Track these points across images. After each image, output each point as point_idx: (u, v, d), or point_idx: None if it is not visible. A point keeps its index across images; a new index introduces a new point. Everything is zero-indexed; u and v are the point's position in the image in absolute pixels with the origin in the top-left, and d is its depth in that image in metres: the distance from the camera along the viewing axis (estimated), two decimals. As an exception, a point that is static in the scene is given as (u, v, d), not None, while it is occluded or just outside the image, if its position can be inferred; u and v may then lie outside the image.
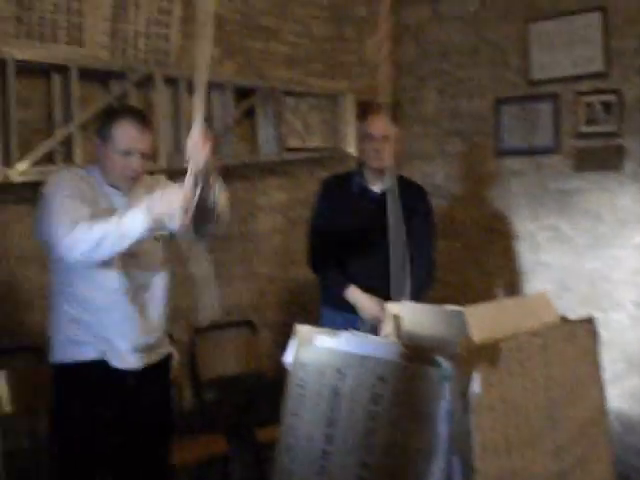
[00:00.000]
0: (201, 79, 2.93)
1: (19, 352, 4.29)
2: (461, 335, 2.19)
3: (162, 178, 3.47)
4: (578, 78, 5.28)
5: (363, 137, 4.22)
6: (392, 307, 2.57)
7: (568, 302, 5.17)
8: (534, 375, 2.35)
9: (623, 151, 5.11)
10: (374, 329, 3.12)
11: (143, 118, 3.21)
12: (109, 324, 3.12)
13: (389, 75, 6.20)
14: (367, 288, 4.10)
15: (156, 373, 3.31)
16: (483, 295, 5.69)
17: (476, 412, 2.08)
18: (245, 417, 4.79)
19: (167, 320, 3.39)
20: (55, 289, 3.23)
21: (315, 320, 5.25)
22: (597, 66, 5.18)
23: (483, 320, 2.27)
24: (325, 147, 5.69)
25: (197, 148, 2.84)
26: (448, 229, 5.94)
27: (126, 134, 3.11)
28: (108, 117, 3.21)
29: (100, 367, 3.14)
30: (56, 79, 4.32)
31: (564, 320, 2.70)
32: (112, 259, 3.05)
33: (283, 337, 5.48)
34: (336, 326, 3.90)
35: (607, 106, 5.15)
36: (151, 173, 3.50)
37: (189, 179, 2.84)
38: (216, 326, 5.16)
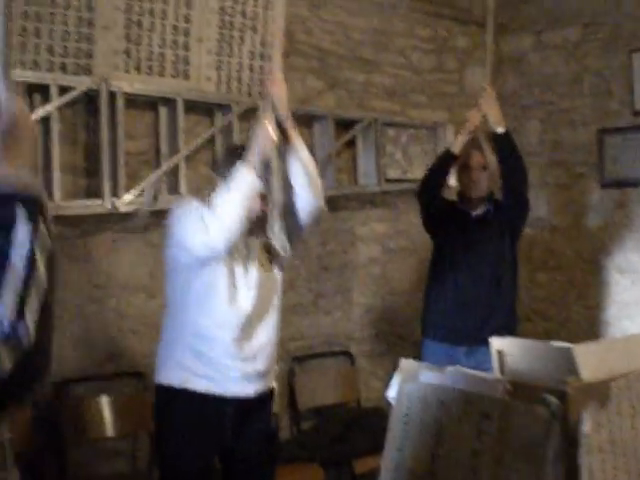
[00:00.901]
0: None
1: (123, 378, 4.39)
2: (570, 373, 2.14)
3: None
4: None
5: (462, 167, 4.23)
6: (496, 342, 2.53)
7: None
8: (645, 416, 2.28)
9: None
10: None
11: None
12: (220, 353, 3.15)
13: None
14: (462, 313, 4.11)
15: (261, 403, 3.32)
16: (586, 330, 5.57)
17: (585, 453, 2.02)
18: (342, 447, 4.77)
19: (277, 352, 3.40)
20: (169, 313, 3.29)
21: (413, 352, 5.23)
22: None
23: (592, 358, 2.21)
24: (425, 178, 5.67)
25: (278, 83, 3.07)
26: (550, 261, 5.84)
27: None
28: (229, 156, 3.24)
29: (207, 394, 3.17)
30: (163, 111, 4.44)
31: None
32: (227, 292, 3.11)
33: (381, 368, 5.53)
34: (437, 358, 3.90)
35: None
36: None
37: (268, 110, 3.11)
38: (314, 355, 5.19)
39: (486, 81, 4.34)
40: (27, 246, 1.12)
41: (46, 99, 3.98)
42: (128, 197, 4.16)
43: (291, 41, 4.98)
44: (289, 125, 3.23)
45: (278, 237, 3.25)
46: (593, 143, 5.70)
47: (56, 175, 3.95)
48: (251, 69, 4.72)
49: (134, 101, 4.33)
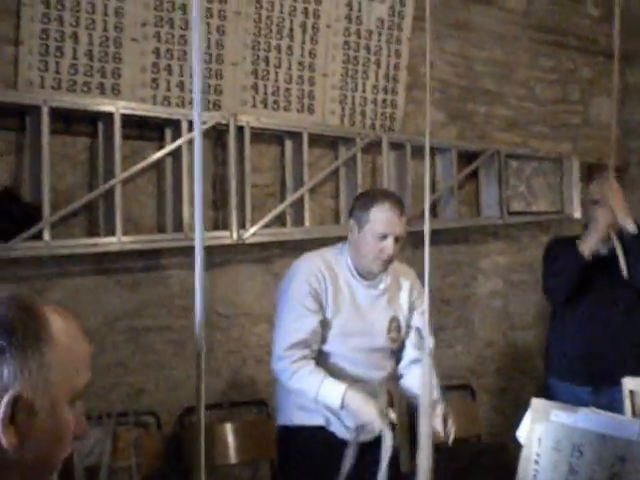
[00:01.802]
0: None
1: (246, 405, 4.47)
2: None
3: (411, 274, 3.41)
4: None
5: (589, 202, 4.11)
6: (629, 382, 2.47)
7: None
8: None
9: None
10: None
11: (399, 202, 3.22)
12: None
13: (616, 137, 6.03)
14: (589, 352, 3.97)
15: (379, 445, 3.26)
16: None
17: None
18: (462, 483, 4.72)
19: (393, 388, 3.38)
20: None
21: (536, 388, 5.13)
22: None
23: None
24: (549, 211, 5.58)
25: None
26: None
27: (385, 218, 3.11)
28: (364, 202, 3.21)
29: (325, 434, 3.17)
30: (288, 145, 4.53)
31: None
32: (343, 351, 3.16)
33: (502, 403, 5.44)
34: (561, 397, 3.81)
35: None
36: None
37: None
38: (435, 389, 5.14)
39: (612, 121, 4.18)
40: None
41: (177, 134, 4.11)
42: (254, 229, 4.25)
43: (414, 74, 5.01)
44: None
45: None
46: None
47: (185, 207, 4.07)
48: (375, 103, 4.77)
49: (260, 135, 4.43)
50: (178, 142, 4.08)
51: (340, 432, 3.16)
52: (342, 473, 2.89)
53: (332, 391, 3.00)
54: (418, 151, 4.97)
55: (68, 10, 3.86)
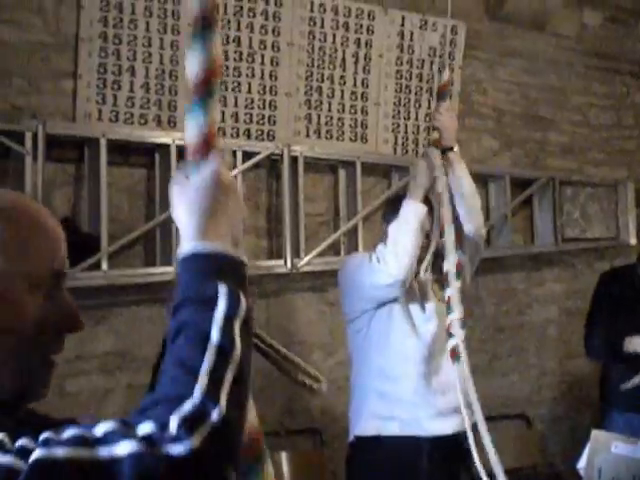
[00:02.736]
0: None
1: (300, 434, 4.46)
2: None
3: None
4: None
5: None
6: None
7: None
8: None
9: None
10: None
11: (428, 202, 3.22)
12: (407, 390, 3.14)
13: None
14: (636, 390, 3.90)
15: (461, 446, 3.14)
16: None
17: None
18: (518, 514, 4.65)
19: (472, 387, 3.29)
20: (355, 366, 3.33)
21: (593, 417, 5.05)
22: None
23: None
24: (604, 237, 5.52)
25: (446, 117, 3.13)
26: None
27: None
28: (394, 204, 3.28)
29: (401, 437, 3.15)
30: (342, 174, 4.56)
31: None
32: (406, 326, 3.13)
33: (558, 432, 5.37)
34: (618, 426, 3.75)
35: None
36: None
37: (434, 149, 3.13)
38: (490, 418, 5.07)
39: None
40: (226, 323, 1.12)
41: (232, 164, 4.16)
42: (308, 258, 4.27)
43: (467, 102, 5.02)
44: (454, 156, 3.23)
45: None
46: None
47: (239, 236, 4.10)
48: (428, 131, 4.77)
49: (314, 164, 4.47)
50: (233, 172, 4.12)
51: (416, 431, 3.13)
52: None
53: (402, 210, 3.09)
54: (472, 178, 4.96)
55: (125, 44, 3.95)
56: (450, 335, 2.89)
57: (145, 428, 1.01)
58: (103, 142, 3.78)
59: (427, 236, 3.18)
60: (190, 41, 1.29)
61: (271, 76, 4.33)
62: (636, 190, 5.61)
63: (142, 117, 4.01)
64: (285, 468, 4.31)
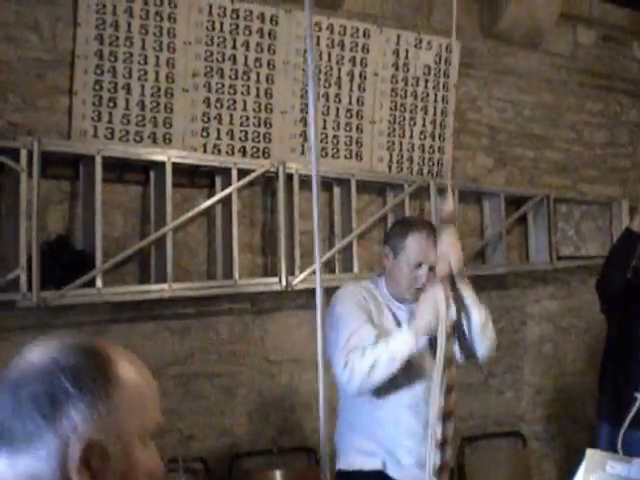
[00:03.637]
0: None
1: (295, 452, 4.44)
2: None
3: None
4: None
5: None
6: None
7: None
8: None
9: None
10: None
11: (434, 230, 3.18)
12: (394, 436, 3.12)
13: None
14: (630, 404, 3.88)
15: None
16: None
17: None
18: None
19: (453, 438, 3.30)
20: (341, 399, 3.30)
21: (588, 435, 5.04)
22: None
23: None
24: (599, 255, 5.51)
25: (452, 248, 2.81)
26: None
27: (419, 247, 3.11)
28: (401, 229, 3.21)
29: (382, 477, 3.15)
30: (337, 191, 4.57)
31: None
32: (397, 374, 3.09)
33: (552, 450, 5.36)
34: (614, 443, 3.73)
35: None
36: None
37: (441, 283, 2.83)
38: (485, 436, 5.09)
39: None
40: None
41: (227, 181, 4.16)
42: (302, 275, 4.27)
43: (461, 120, 5.04)
44: (462, 282, 2.97)
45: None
46: None
47: (235, 254, 4.10)
48: (422, 149, 4.79)
49: (309, 182, 4.46)
50: (228, 190, 4.13)
51: (398, 475, 3.12)
52: None
53: (398, 337, 2.92)
54: (467, 196, 4.98)
55: (121, 62, 3.96)
56: None
57: None
58: (98, 159, 3.78)
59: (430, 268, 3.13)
60: None
61: (266, 94, 4.34)
62: (630, 207, 5.61)
63: (137, 134, 4.01)
64: (279, 486, 4.30)
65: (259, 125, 4.32)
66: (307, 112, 4.43)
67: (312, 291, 4.34)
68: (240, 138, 4.26)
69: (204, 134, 4.19)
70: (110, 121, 3.95)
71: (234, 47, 4.23)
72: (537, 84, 5.45)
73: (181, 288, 3.99)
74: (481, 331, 3.09)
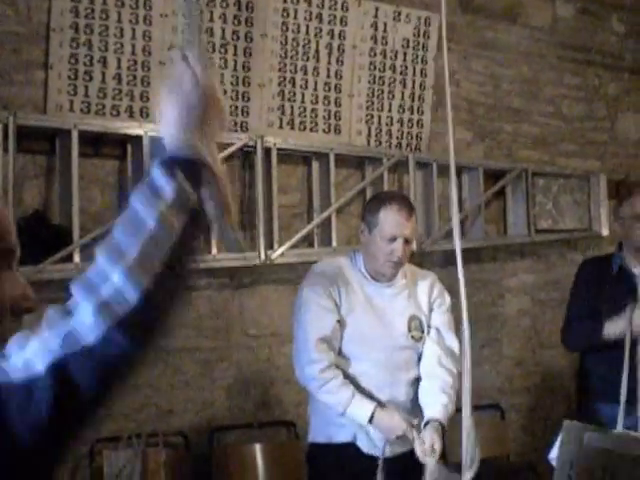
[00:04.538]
0: None
1: (274, 426, 4.46)
2: None
3: (431, 275, 3.41)
4: None
5: (629, 217, 4.04)
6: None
7: None
8: None
9: None
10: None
11: (408, 204, 3.25)
12: None
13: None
14: (608, 381, 3.90)
15: (408, 461, 3.24)
16: None
17: None
18: (492, 503, 4.68)
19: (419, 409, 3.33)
20: None
21: (565, 407, 5.09)
22: None
23: None
24: (576, 228, 5.55)
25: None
26: None
27: (393, 220, 3.13)
28: (374, 204, 3.24)
29: (352, 450, 3.16)
30: (315, 165, 4.55)
31: None
32: (363, 352, 3.15)
33: (531, 422, 5.40)
34: (593, 415, 3.77)
35: None
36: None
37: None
38: (463, 409, 5.11)
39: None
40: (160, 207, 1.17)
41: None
42: (281, 249, 4.26)
43: (440, 93, 5.02)
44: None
45: None
46: None
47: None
48: (401, 122, 4.78)
49: (287, 156, 4.46)
50: (206, 164, 4.10)
51: (367, 447, 3.15)
52: None
53: (361, 408, 3.02)
54: (445, 170, 4.97)
55: (97, 35, 3.92)
56: None
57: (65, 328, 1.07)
58: (75, 133, 3.75)
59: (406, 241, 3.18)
60: None
61: (244, 67, 4.31)
62: (608, 181, 5.64)
63: (114, 108, 3.98)
64: (259, 460, 4.31)
65: (237, 99, 4.30)
66: (285, 86, 4.41)
67: (291, 265, 4.37)
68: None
69: (181, 108, 4.15)
70: (86, 95, 3.92)
71: (211, 19, 4.20)
72: (516, 58, 5.44)
73: (159, 263, 3.96)
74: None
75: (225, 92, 4.27)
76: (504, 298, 5.41)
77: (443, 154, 4.98)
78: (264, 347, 4.44)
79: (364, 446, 3.16)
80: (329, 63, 4.54)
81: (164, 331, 1.14)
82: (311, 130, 4.52)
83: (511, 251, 5.43)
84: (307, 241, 4.48)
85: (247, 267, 4.28)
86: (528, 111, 5.52)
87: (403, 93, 4.77)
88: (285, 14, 4.39)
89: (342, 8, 4.55)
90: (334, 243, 4.45)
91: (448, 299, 3.32)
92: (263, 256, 4.21)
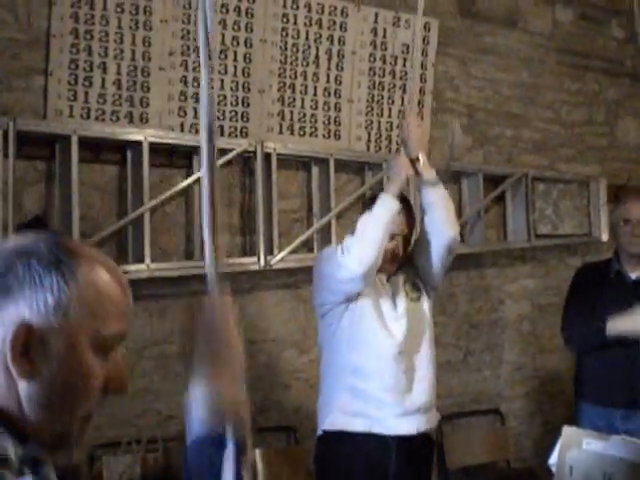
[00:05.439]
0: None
1: (274, 432, 4.46)
2: None
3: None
4: None
5: (620, 221, 4.07)
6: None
7: None
8: None
9: None
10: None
11: (405, 201, 3.31)
12: (377, 387, 3.17)
13: (643, 157, 6.02)
14: (610, 384, 3.91)
15: (425, 448, 3.28)
16: None
17: None
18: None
19: (435, 389, 3.36)
20: (324, 361, 3.34)
21: (566, 412, 5.08)
22: None
23: None
24: (576, 233, 5.56)
25: (413, 127, 3.25)
26: None
27: None
28: (371, 202, 3.29)
29: (368, 434, 3.18)
30: (315, 171, 4.56)
31: None
32: (377, 324, 3.17)
33: (531, 428, 5.40)
34: (592, 421, 3.77)
35: None
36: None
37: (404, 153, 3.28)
38: (463, 414, 5.12)
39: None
40: None
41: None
42: (281, 254, 4.27)
43: (440, 99, 5.03)
44: (423, 164, 3.27)
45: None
46: None
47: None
48: (400, 128, 4.77)
49: (287, 161, 4.46)
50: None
51: (385, 428, 3.17)
52: None
53: (378, 203, 3.17)
54: (444, 175, 4.97)
55: (96, 40, 3.92)
56: None
57: None
58: (74, 139, 3.75)
59: (392, 237, 3.21)
60: None
61: (244, 73, 4.32)
62: (608, 186, 5.65)
63: (114, 114, 3.98)
64: (259, 465, 4.30)
65: (237, 104, 4.30)
66: (285, 91, 4.42)
67: (290, 270, 4.37)
68: (218, 117, 4.23)
69: (181, 113, 4.16)
70: (86, 100, 3.92)
71: (211, 25, 4.19)
72: (515, 63, 5.45)
73: (159, 268, 3.97)
74: (440, 210, 3.29)
75: (225, 97, 4.27)
76: (504, 303, 5.41)
77: (442, 159, 4.99)
78: (264, 352, 4.43)
79: (384, 428, 3.18)
80: (329, 69, 4.55)
81: None
82: (311, 135, 4.52)
83: (511, 256, 5.43)
84: (307, 246, 4.47)
85: (246, 272, 4.28)
86: (528, 116, 5.53)
87: (403, 98, 4.77)
88: (285, 20, 4.40)
89: (342, 14, 4.56)
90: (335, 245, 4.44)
91: None
92: (263, 261, 4.21)
